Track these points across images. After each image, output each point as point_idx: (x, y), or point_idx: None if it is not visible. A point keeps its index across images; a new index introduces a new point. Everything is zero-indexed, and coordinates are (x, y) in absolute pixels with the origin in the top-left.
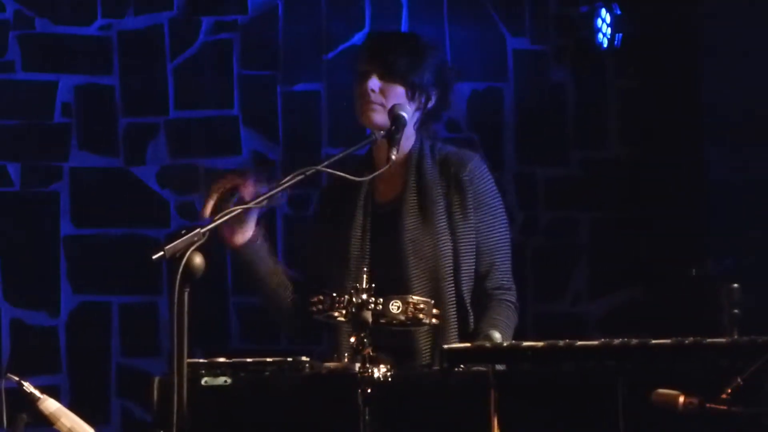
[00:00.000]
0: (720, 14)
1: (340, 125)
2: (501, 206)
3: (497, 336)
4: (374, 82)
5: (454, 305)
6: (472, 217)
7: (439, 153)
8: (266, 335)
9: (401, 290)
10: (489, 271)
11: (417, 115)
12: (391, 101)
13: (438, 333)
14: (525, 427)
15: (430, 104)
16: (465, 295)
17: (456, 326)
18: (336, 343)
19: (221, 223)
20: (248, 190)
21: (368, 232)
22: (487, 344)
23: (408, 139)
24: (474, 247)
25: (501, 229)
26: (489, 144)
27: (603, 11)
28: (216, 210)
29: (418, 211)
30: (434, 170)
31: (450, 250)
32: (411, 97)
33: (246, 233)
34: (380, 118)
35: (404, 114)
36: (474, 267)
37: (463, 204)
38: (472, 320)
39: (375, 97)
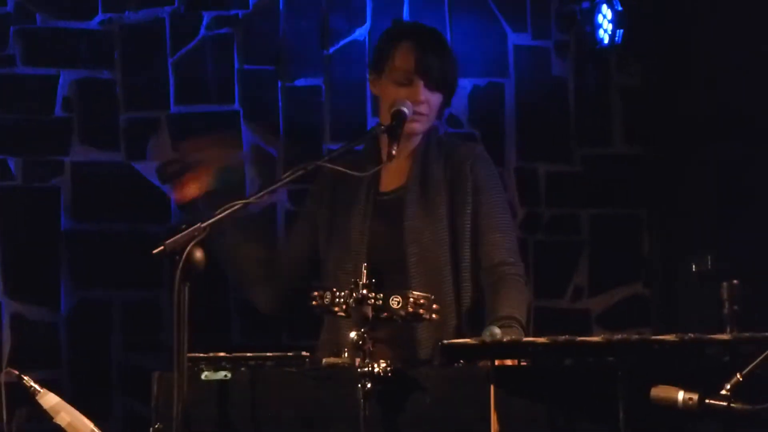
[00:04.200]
0: (722, 9)
1: (341, 120)
2: (501, 190)
3: (497, 331)
4: (425, 93)
5: (452, 296)
6: (470, 206)
7: (444, 146)
8: (267, 331)
9: (400, 278)
10: (493, 250)
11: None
12: (433, 111)
13: (437, 325)
14: (524, 422)
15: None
16: (463, 286)
17: (455, 318)
18: (336, 338)
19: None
20: (215, 155)
21: (368, 219)
22: (487, 339)
23: (419, 135)
24: (471, 237)
25: (501, 209)
26: (490, 140)
27: (604, 7)
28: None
29: (420, 201)
30: (439, 162)
31: (448, 241)
32: (446, 103)
33: (199, 188)
34: (422, 127)
35: (405, 109)
36: (472, 258)
37: (464, 194)
38: (465, 310)
39: (423, 108)
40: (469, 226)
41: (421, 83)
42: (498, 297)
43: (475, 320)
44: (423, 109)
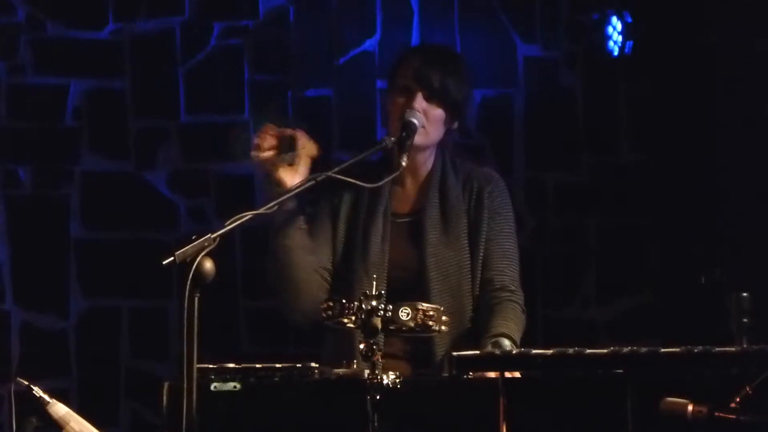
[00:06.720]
0: (730, 21)
1: (350, 131)
2: (512, 216)
3: (506, 343)
4: (420, 103)
5: (472, 317)
6: (485, 231)
7: (461, 169)
8: (275, 340)
9: (422, 302)
10: (496, 276)
11: (443, 132)
12: (431, 125)
13: (454, 342)
14: None
15: (458, 124)
16: (478, 308)
17: (472, 339)
18: (345, 348)
19: (274, 163)
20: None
21: (387, 241)
22: (497, 351)
23: (430, 153)
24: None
25: (510, 238)
26: (499, 150)
27: (614, 19)
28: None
29: (440, 226)
30: (458, 187)
31: (470, 267)
32: (448, 122)
33: (299, 177)
34: (420, 140)
35: (415, 120)
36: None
37: (481, 220)
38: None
39: (420, 118)
40: (483, 252)
41: (419, 93)
42: (495, 316)
43: (484, 334)
44: (420, 120)
